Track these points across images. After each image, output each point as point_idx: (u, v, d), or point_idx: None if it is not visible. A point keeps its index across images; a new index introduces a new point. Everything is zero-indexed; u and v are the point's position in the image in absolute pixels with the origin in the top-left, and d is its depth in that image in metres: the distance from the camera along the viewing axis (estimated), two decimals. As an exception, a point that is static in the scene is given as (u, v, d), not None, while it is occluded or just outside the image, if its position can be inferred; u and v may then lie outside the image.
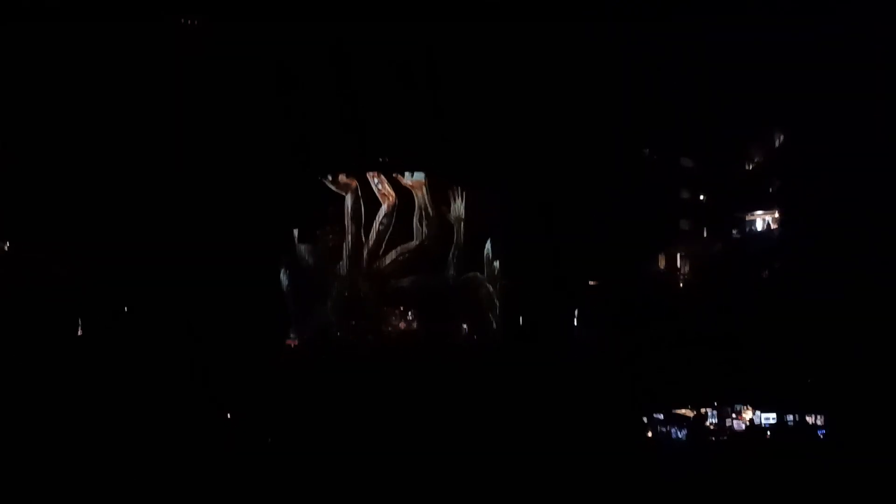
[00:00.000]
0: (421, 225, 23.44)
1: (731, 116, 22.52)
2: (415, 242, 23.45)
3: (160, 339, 20.55)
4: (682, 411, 20.77)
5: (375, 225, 23.51)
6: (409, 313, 23.26)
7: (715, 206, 24.34)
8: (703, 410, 20.72)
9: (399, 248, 23.45)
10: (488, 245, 23.77)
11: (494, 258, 23.65)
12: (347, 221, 23.41)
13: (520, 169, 22.40)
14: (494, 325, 23.58)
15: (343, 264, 23.35)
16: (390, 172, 23.31)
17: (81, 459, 16.31)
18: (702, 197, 24.65)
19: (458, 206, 23.58)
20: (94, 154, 21.70)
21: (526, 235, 22.55)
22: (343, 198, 23.48)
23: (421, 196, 23.50)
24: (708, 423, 20.67)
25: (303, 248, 23.44)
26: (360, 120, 22.08)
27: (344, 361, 21.21)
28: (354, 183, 23.39)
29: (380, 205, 23.52)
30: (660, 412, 20.58)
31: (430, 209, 23.34)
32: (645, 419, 20.28)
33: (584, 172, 22.48)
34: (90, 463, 16.15)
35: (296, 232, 23.31)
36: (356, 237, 23.44)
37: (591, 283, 23.93)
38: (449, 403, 18.76)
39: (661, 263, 24.59)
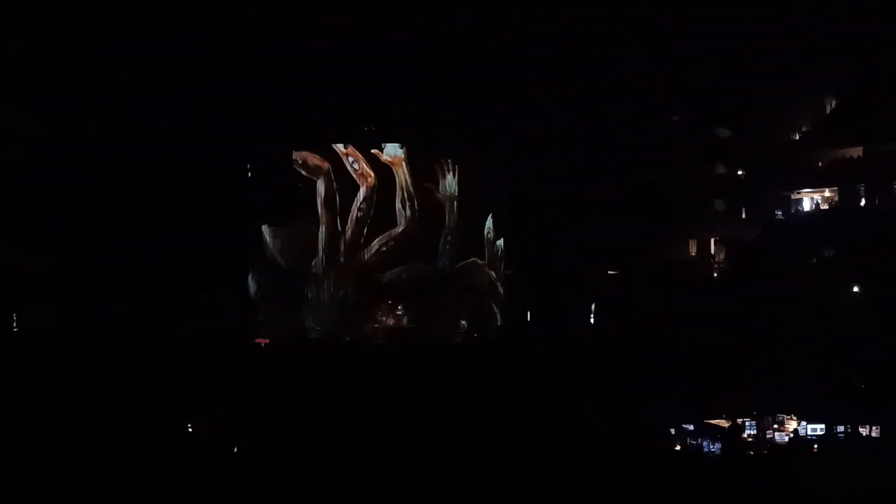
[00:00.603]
0: (404, 208, 22.93)
1: (773, 77, 21.85)
2: (399, 228, 22.93)
3: (113, 341, 20.07)
4: (716, 421, 19.22)
5: (353, 211, 22.98)
6: (399, 308, 22.84)
7: (755, 182, 23.81)
8: (739, 420, 19.11)
9: (382, 237, 22.89)
10: (489, 223, 23.32)
11: (497, 237, 23.17)
12: (321, 210, 22.91)
13: (525, 134, 22.03)
14: (498, 320, 23.18)
15: (319, 259, 22.84)
16: (369, 148, 22.77)
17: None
18: (739, 172, 24.18)
19: (450, 183, 23.09)
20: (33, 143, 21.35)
21: (534, 212, 22.20)
22: (315, 183, 22.95)
23: (402, 174, 22.98)
24: (745, 435, 19.12)
25: (271, 241, 22.90)
26: (334, 85, 21.60)
27: (324, 362, 20.33)
28: (326, 165, 22.87)
29: (357, 188, 22.98)
30: (690, 422, 18.99)
31: (412, 189, 22.79)
32: (672, 430, 18.71)
33: (602, 140, 22.09)
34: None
35: (265, 229, 22.80)
36: (332, 227, 22.92)
37: (610, 272, 23.62)
38: (445, 410, 17.11)
39: (693, 250, 24.20)
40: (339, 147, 22.62)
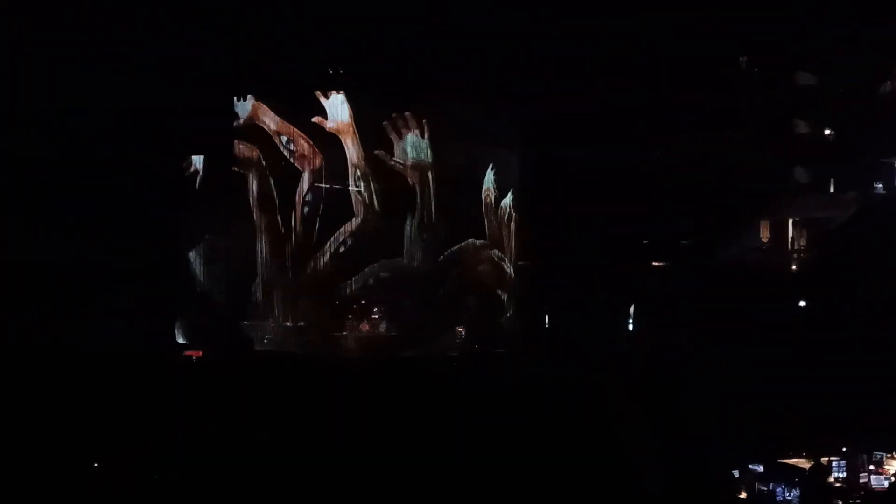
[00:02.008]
0: (360, 192, 22.29)
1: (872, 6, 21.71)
2: (357, 220, 22.24)
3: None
4: (793, 461, 20.19)
5: (298, 207, 22.23)
6: (375, 310, 22.38)
7: (848, 146, 23.45)
8: (824, 460, 19.98)
9: (336, 236, 22.23)
10: (489, 176, 22.73)
11: (502, 193, 22.92)
12: (255, 212, 22.27)
13: (547, 85, 21.37)
14: (507, 326, 22.76)
15: (261, 277, 22.29)
16: (306, 116, 22.09)
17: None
18: (827, 132, 23.81)
19: (417, 146, 22.37)
20: None
21: (556, 187, 21.68)
22: (246, 179, 22.38)
23: (352, 145, 22.27)
24: (832, 479, 19.99)
25: (193, 260, 22.44)
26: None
27: (275, 381, 20.23)
28: (256, 152, 22.28)
29: (298, 175, 22.33)
30: (759, 461, 19.77)
31: (366, 164, 22.23)
32: (737, 472, 19.54)
33: (646, 93, 21.47)
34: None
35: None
36: (272, 231, 22.26)
37: (654, 263, 23.29)
38: (436, 449, 17.75)
39: (765, 234, 23.80)
40: (268, 123, 22.22)
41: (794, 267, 24.04)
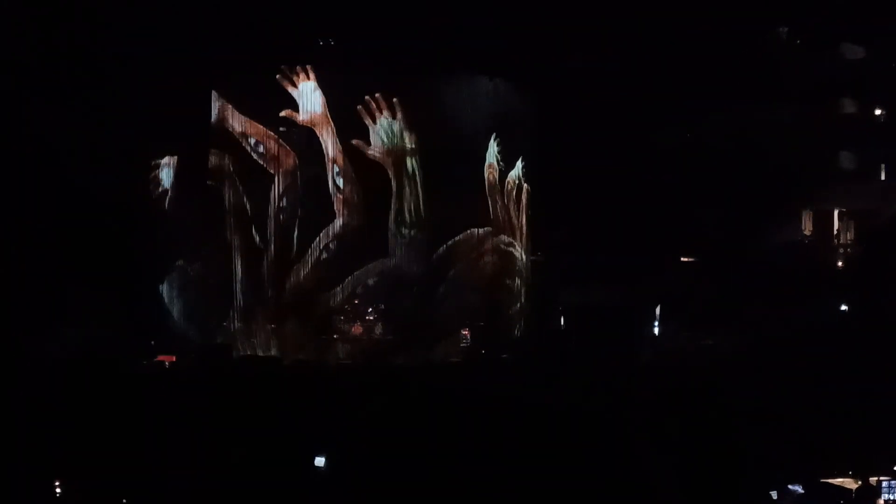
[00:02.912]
0: (339, 190, 20.91)
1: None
2: (338, 222, 20.89)
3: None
4: (838, 480, 18.77)
5: (272, 214, 20.80)
6: (370, 311, 21.21)
7: None
8: (873, 480, 18.55)
9: (318, 240, 20.91)
10: (492, 147, 21.33)
11: (509, 164, 21.71)
12: (229, 223, 20.85)
13: (562, 55, 20.17)
14: (517, 328, 21.80)
15: (238, 294, 20.94)
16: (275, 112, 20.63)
17: None
18: (878, 112, 23.10)
19: (391, 130, 20.81)
20: None
21: (571, 171, 20.39)
22: (219, 191, 20.97)
23: (329, 137, 20.90)
24: (882, 502, 18.49)
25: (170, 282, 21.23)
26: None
27: (257, 391, 18.86)
28: (225, 158, 20.90)
29: (271, 180, 20.89)
30: (800, 481, 18.39)
31: (344, 157, 20.80)
32: (775, 493, 18.16)
33: (677, 66, 20.34)
34: None
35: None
36: (247, 246, 20.90)
37: (684, 259, 22.60)
38: (438, 469, 16.16)
39: (807, 226, 23.19)
40: (235, 126, 20.90)
41: (839, 263, 23.63)
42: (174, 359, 20.57)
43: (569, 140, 21.06)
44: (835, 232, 23.77)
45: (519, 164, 22.15)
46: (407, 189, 21.25)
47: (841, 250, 23.66)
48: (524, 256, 22.57)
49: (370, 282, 21.13)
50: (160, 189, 21.31)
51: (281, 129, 21.05)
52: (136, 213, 21.36)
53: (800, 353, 19.68)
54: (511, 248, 22.21)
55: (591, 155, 21.06)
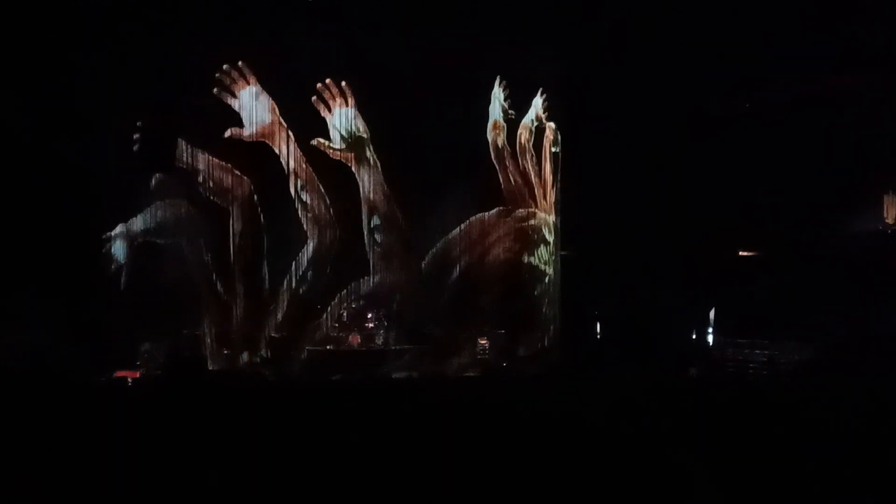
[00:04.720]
0: (306, 207, 18.49)
1: None
2: (312, 242, 18.61)
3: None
4: None
5: (232, 254, 18.59)
6: (370, 317, 19.20)
7: None
8: None
9: (293, 270, 18.72)
10: (495, 104, 18.69)
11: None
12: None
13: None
14: (545, 334, 20.06)
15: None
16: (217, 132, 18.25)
17: None
18: None
19: (346, 120, 18.39)
20: None
21: (606, 150, 18.36)
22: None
23: (285, 146, 18.50)
24: None
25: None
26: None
27: (234, 411, 15.77)
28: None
29: (226, 218, 18.73)
30: None
31: (306, 166, 18.43)
32: None
33: (734, 23, 17.99)
34: None
35: None
36: (214, 297, 18.87)
37: (742, 253, 21.14)
38: (452, 493, 14.03)
39: (890, 214, 21.56)
40: (188, 162, 18.77)
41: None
42: (137, 375, 18.73)
43: (599, 112, 18.78)
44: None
45: (537, 100, 19.68)
46: (371, 187, 18.88)
47: (932, 242, 21.88)
48: (550, 222, 20.23)
49: (354, 306, 19.02)
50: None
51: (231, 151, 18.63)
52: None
53: (881, 365, 17.73)
54: (531, 223, 19.81)
55: (628, 131, 18.97)
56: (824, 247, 20.45)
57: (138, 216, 19.41)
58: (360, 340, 19.13)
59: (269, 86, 18.38)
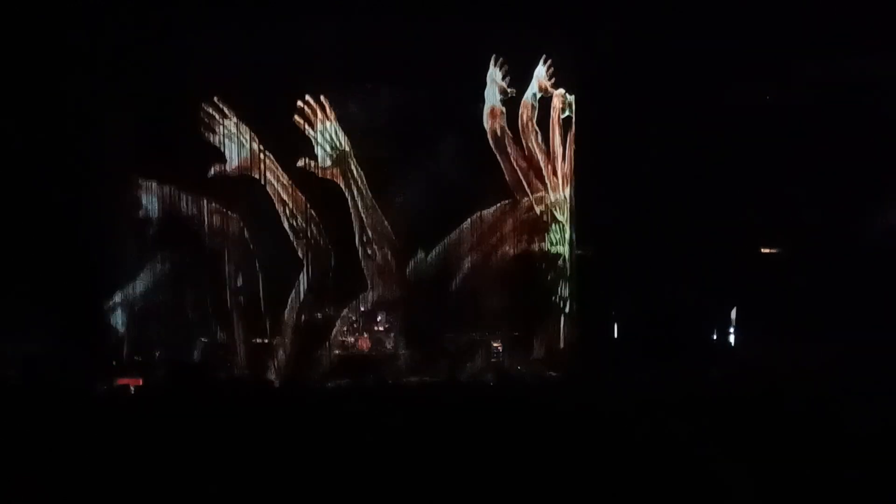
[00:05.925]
0: (299, 233, 18.19)
1: None
2: (308, 269, 18.25)
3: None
4: None
5: (228, 295, 18.42)
6: (379, 320, 18.99)
7: None
8: None
9: (291, 302, 18.48)
10: (491, 89, 17.82)
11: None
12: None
13: None
14: (560, 336, 19.41)
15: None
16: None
17: None
18: None
19: (330, 133, 17.98)
20: None
21: (624, 139, 17.60)
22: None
23: (272, 175, 18.12)
24: None
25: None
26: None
27: (239, 419, 15.45)
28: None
29: (221, 261, 18.53)
30: None
31: (295, 192, 18.14)
32: None
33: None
34: None
35: None
36: (211, 349, 18.73)
37: (764, 250, 20.57)
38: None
39: None
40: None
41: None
42: (140, 382, 18.40)
43: (617, 102, 18.02)
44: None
45: (539, 69, 18.75)
46: (359, 202, 18.50)
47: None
48: (561, 200, 19.42)
49: (360, 314, 18.83)
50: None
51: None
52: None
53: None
54: (539, 209, 19.07)
55: (649, 120, 18.21)
56: (856, 242, 19.89)
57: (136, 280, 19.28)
58: (367, 345, 18.83)
59: (245, 114, 18.09)
